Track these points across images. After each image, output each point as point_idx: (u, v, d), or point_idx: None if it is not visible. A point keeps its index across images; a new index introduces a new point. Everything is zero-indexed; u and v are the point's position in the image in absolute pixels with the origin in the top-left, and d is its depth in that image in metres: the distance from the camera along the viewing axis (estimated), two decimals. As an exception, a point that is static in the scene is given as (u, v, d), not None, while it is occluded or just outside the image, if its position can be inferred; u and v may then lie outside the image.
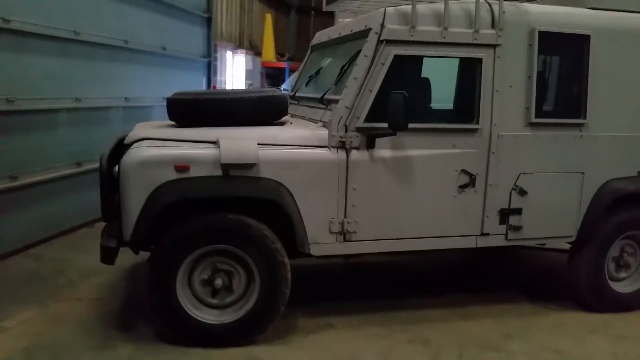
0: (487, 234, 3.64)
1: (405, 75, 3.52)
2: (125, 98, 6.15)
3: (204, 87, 8.27)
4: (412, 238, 3.51)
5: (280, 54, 11.70)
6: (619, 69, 3.71)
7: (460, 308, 3.94)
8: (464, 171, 3.52)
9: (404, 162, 3.41)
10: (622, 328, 3.73)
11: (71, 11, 5.14)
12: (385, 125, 3.21)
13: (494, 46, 3.47)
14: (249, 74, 10.12)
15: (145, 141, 3.21)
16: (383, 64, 3.31)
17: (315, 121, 3.64)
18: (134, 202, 3.02)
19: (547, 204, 3.69)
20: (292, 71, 11.61)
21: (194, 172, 3.07)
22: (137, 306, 3.80)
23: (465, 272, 4.83)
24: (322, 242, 3.35)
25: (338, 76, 3.58)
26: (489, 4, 3.51)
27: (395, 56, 3.31)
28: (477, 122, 3.50)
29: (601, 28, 3.64)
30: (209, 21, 8.22)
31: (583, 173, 3.73)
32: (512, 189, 3.62)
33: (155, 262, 3.12)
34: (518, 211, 3.65)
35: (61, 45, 5.07)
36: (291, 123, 3.74)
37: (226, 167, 3.09)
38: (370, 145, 3.34)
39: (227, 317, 3.25)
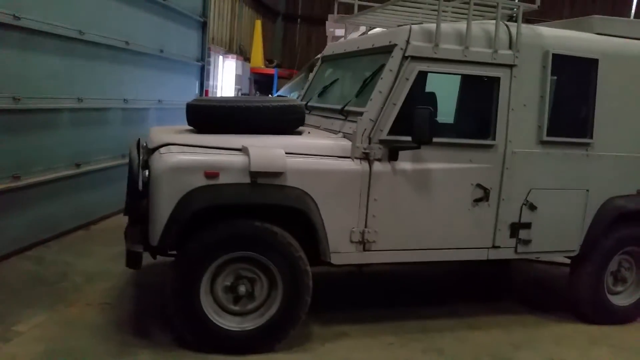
0: (498, 247, 3.76)
1: (423, 91, 3.63)
2: (124, 100, 6.09)
3: (196, 92, 8.23)
4: (429, 249, 3.60)
5: (268, 61, 11.72)
6: (623, 92, 3.91)
7: (467, 318, 4.04)
8: (479, 185, 3.63)
9: (424, 175, 3.51)
10: (620, 339, 3.90)
11: (76, 10, 5.08)
12: (407, 138, 3.31)
13: (510, 66, 3.61)
14: (238, 79, 10.12)
15: (172, 147, 3.21)
16: (407, 79, 3.40)
17: (334, 132, 3.70)
18: (164, 207, 3.01)
19: (554, 219, 3.83)
20: (280, 78, 11.65)
21: (223, 179, 3.09)
22: (149, 312, 3.77)
23: (466, 282, 4.95)
24: (342, 251, 3.40)
25: (360, 88, 3.65)
26: (507, 26, 3.65)
27: (419, 72, 3.41)
28: (494, 139, 3.62)
29: (609, 53, 3.83)
30: (204, 25, 8.20)
31: (588, 190, 3.90)
32: (523, 203, 3.75)
33: (181, 267, 3.11)
34: (528, 225, 3.78)
35: (66, 44, 5.00)
36: (309, 132, 3.79)
37: (255, 174, 3.12)
38: (392, 157, 3.42)
39: (249, 324, 3.26)
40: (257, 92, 11.53)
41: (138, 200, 3.09)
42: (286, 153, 3.22)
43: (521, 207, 3.76)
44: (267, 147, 3.22)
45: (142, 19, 6.40)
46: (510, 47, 3.61)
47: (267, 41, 11.57)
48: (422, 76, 3.46)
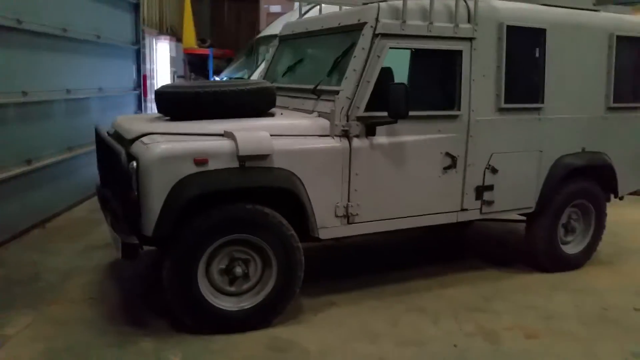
0: (466, 210, 4.04)
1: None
2: (67, 90, 5.82)
3: (134, 77, 7.96)
4: (406, 217, 3.82)
5: (201, 40, 11.41)
6: (567, 58, 4.25)
7: (439, 277, 4.33)
8: (447, 154, 3.87)
9: (398, 148, 3.69)
10: (575, 283, 4.33)
11: (11, -4, 4.78)
12: (382, 113, 3.46)
13: (470, 39, 3.83)
14: (172, 61, 9.83)
15: (155, 136, 3.19)
16: (379, 56, 3.54)
17: (307, 111, 3.79)
18: (156, 197, 3.01)
19: (513, 180, 4.15)
20: (215, 58, 11.40)
21: (212, 165, 3.12)
22: (136, 302, 3.76)
23: (430, 246, 5.25)
24: (329, 225, 3.54)
25: (332, 67, 3.75)
26: (465, 1, 3.86)
27: (390, 49, 3.55)
28: (459, 109, 3.86)
29: (554, 23, 4.14)
30: (136, 7, 7.89)
31: (541, 151, 4.24)
32: (486, 167, 4.04)
33: (178, 254, 3.13)
34: (491, 187, 4.08)
35: (5, 35, 4.70)
36: (281, 114, 3.85)
37: (243, 158, 3.17)
38: (370, 132, 3.57)
39: (246, 303, 3.35)
40: (192, 74, 11.23)
41: (128, 191, 3.04)
42: (272, 135, 3.28)
43: (484, 171, 4.04)
44: (252, 130, 3.27)
45: (76, 4, 6.08)
46: (469, 21, 3.83)
47: (196, 20, 11.25)
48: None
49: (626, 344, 3.37)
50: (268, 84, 3.79)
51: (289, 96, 4.10)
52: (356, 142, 3.54)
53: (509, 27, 3.94)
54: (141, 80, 7.92)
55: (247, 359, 3.09)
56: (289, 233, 3.34)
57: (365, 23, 3.57)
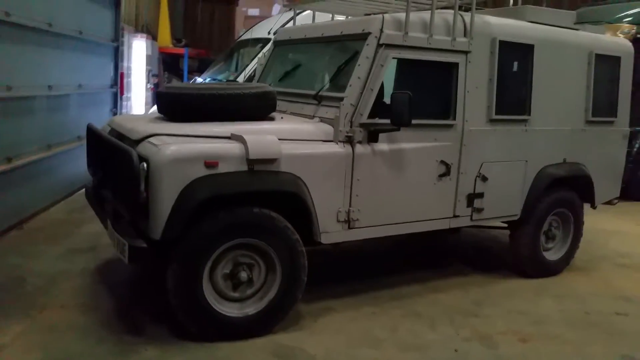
0: (458, 216, 4.16)
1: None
2: (49, 86, 5.64)
3: (112, 74, 7.78)
4: (402, 223, 3.89)
5: (176, 39, 11.23)
6: (552, 73, 4.45)
7: (430, 283, 4.43)
8: (442, 162, 3.98)
9: (398, 155, 3.77)
10: (557, 289, 4.51)
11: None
12: (384, 120, 3.54)
13: (466, 53, 3.97)
14: (148, 60, 9.64)
15: (163, 137, 3.15)
16: (382, 65, 3.62)
17: (307, 116, 3.82)
18: (166, 199, 2.97)
19: (501, 188, 4.31)
20: (191, 58, 11.26)
21: (222, 168, 3.10)
22: (131, 307, 3.67)
23: (417, 251, 5.34)
24: (330, 230, 3.58)
25: (334, 74, 3.80)
26: (461, 15, 3.99)
27: (393, 59, 3.64)
28: (454, 119, 3.98)
29: (541, 39, 4.34)
30: (117, 4, 7.73)
31: (527, 161, 4.42)
32: (477, 176, 4.17)
33: (184, 259, 3.09)
34: (481, 195, 4.22)
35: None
36: (282, 118, 3.88)
37: (252, 162, 3.17)
38: (372, 139, 3.63)
39: (250, 308, 3.33)
40: (166, 73, 11.04)
41: (136, 193, 2.98)
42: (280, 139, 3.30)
43: (475, 179, 4.17)
44: (260, 134, 3.28)
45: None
46: (465, 35, 3.96)
47: (170, 19, 11.09)
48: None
49: (614, 347, 3.55)
50: (270, 88, 3.80)
51: (286, 100, 4.12)
52: (359, 148, 3.59)
53: (501, 42, 4.10)
54: (118, 78, 7.74)
55: (254, 365, 3.08)
56: (294, 237, 3.35)
57: (369, 33, 3.64)
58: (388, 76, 4.23)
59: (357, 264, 4.87)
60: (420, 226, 4.00)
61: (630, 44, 5.04)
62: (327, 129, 3.58)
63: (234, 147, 3.16)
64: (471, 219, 4.25)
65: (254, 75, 6.41)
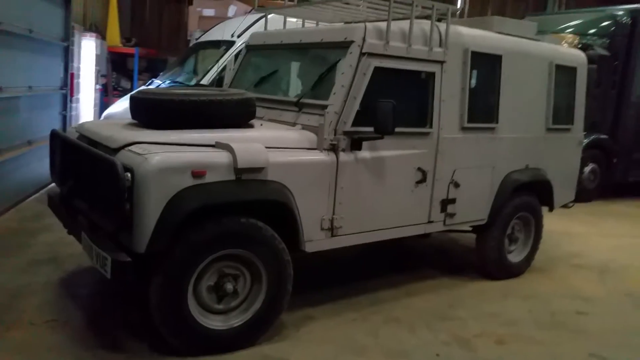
0: (432, 222, 4.25)
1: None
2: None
3: (61, 75, 7.38)
4: (382, 229, 3.93)
5: (126, 39, 10.80)
6: (517, 83, 4.63)
7: (403, 287, 4.50)
8: (419, 169, 4.05)
9: (379, 162, 3.80)
10: (521, 290, 4.71)
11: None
12: (367, 128, 3.56)
13: (441, 62, 4.06)
14: (97, 60, 9.21)
15: (148, 145, 3.03)
16: (364, 74, 3.63)
17: (287, 123, 3.78)
18: (151, 211, 2.85)
19: (471, 193, 4.44)
20: (141, 58, 10.86)
21: (210, 178, 3.01)
22: (104, 323, 3.50)
23: (387, 255, 5.40)
24: (315, 238, 3.56)
25: (316, 82, 3.78)
26: (437, 26, 4.08)
27: (375, 67, 3.66)
28: (430, 127, 4.06)
29: (508, 50, 4.51)
30: (67, 2, 7.33)
31: (493, 167, 4.58)
32: (450, 182, 4.28)
33: (169, 271, 2.98)
34: (453, 201, 4.33)
35: None
36: (261, 125, 3.82)
37: (240, 171, 3.10)
38: (356, 147, 3.64)
39: (235, 320, 3.26)
40: (114, 73, 10.60)
41: (119, 205, 2.84)
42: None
43: (449, 185, 4.28)
44: (246, 142, 3.21)
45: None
46: (440, 45, 4.05)
47: (119, 17, 10.65)
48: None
49: (582, 346, 3.74)
50: (250, 95, 3.73)
51: (264, 107, 4.06)
52: (343, 156, 3.59)
53: (473, 53, 4.23)
54: (68, 79, 7.35)
55: (244, 378, 3.02)
56: (281, 247, 3.31)
57: (352, 41, 3.65)
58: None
59: (331, 269, 4.87)
60: (398, 232, 4.06)
61: (584, 55, 5.33)
62: (311, 136, 3.56)
63: (221, 156, 3.08)
64: (444, 224, 4.35)
65: (218, 79, 6.32)
